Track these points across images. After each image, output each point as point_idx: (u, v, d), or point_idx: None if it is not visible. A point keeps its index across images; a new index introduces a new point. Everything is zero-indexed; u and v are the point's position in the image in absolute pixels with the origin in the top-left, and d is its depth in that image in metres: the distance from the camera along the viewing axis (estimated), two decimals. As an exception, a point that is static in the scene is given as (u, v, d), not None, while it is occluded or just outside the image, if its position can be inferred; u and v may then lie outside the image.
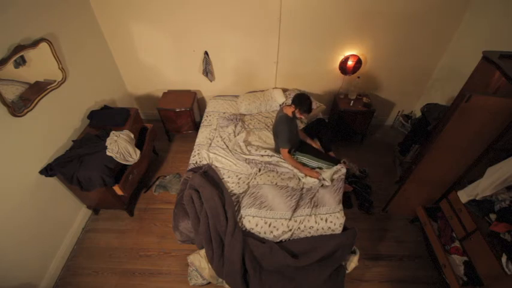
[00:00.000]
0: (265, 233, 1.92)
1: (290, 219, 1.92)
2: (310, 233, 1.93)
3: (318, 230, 1.92)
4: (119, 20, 2.75)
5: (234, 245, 1.80)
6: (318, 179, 2.16)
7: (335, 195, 2.03)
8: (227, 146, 2.55)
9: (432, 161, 1.99)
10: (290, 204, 1.97)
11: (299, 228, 1.91)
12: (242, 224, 1.95)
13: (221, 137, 2.64)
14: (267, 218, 1.93)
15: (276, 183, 2.13)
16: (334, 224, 1.92)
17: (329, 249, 1.82)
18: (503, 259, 1.55)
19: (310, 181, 2.18)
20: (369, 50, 2.90)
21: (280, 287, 1.83)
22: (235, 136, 2.64)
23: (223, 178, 2.26)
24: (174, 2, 2.60)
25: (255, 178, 2.22)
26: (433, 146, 1.90)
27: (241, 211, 1.99)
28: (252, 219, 1.94)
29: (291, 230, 1.91)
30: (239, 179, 2.27)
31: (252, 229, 1.94)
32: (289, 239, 1.95)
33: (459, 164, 1.98)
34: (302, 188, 2.13)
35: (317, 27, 2.73)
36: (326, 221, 1.92)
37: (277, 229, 1.90)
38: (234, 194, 2.14)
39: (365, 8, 2.57)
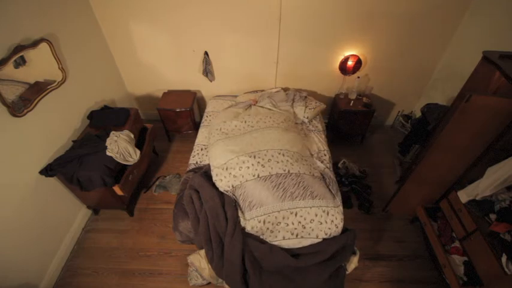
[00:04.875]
0: (263, 234, 1.86)
1: (285, 210, 1.84)
2: (312, 230, 1.83)
3: (320, 223, 1.84)
4: (119, 20, 2.75)
5: (234, 246, 1.78)
6: None
7: (326, 187, 2.00)
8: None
9: (432, 161, 1.98)
10: (278, 194, 1.89)
11: (300, 222, 1.83)
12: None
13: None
14: (259, 216, 1.84)
15: (258, 175, 1.98)
16: (336, 218, 1.87)
17: (331, 252, 1.80)
18: (503, 259, 1.54)
19: None
20: (369, 50, 2.90)
21: (280, 287, 1.82)
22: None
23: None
24: (174, 2, 2.60)
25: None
26: (433, 146, 1.89)
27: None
28: (247, 223, 1.87)
29: (288, 224, 1.83)
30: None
31: (249, 231, 1.87)
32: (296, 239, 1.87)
33: (459, 164, 1.97)
34: (288, 172, 2.00)
35: (317, 27, 2.73)
36: (328, 214, 1.86)
37: (272, 223, 1.83)
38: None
39: (365, 8, 2.56)
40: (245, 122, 2.44)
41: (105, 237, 2.42)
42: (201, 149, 2.53)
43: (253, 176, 1.99)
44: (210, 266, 1.90)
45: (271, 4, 2.58)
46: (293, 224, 1.85)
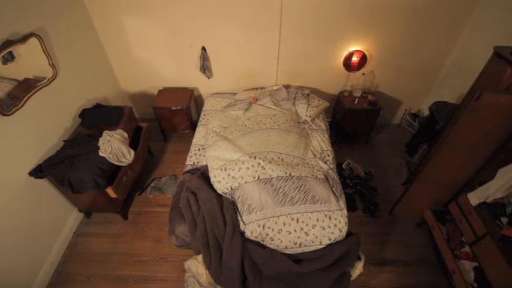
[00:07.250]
0: (263, 240, 1.80)
1: (285, 216, 1.80)
2: (316, 237, 1.78)
3: (323, 228, 1.79)
4: (112, 14, 2.68)
5: (233, 251, 1.73)
6: None
7: (329, 189, 1.94)
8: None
9: (441, 162, 1.95)
10: (278, 198, 1.86)
11: (302, 229, 1.78)
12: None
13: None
14: (259, 221, 1.80)
15: (259, 177, 1.95)
16: (340, 222, 1.82)
17: (334, 258, 1.75)
18: (516, 265, 1.50)
19: None
20: (375, 45, 2.83)
21: (281, 294, 1.76)
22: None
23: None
24: (170, -4, 2.54)
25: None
26: (441, 146, 1.86)
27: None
28: (246, 227, 1.82)
29: (290, 232, 1.78)
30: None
31: (248, 236, 1.82)
32: (299, 247, 1.81)
33: (469, 165, 1.94)
34: (290, 175, 1.97)
35: (320, 21, 2.66)
36: (330, 218, 1.81)
37: (272, 230, 1.78)
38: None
39: (370, 1, 2.50)
40: (245, 125, 2.39)
41: (97, 242, 2.37)
42: (198, 149, 2.48)
43: (253, 178, 1.95)
44: (207, 271, 1.84)
45: (271, -2, 2.52)
46: (295, 231, 1.79)
